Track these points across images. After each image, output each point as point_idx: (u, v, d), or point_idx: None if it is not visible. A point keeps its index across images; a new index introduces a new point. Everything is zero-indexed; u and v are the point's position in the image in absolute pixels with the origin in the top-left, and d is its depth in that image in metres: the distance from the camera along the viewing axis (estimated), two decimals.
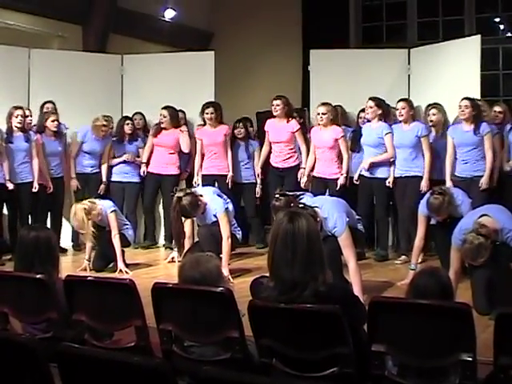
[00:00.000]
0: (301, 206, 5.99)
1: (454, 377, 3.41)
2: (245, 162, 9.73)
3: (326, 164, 8.83)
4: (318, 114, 8.79)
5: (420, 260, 7.49)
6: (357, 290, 5.99)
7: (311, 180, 8.93)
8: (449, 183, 8.02)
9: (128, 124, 9.73)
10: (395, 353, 3.51)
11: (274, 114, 9.14)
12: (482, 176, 8.03)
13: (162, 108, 9.58)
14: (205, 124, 9.53)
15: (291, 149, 9.20)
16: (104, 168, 9.61)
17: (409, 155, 8.44)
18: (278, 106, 9.11)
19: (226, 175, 9.43)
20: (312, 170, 8.93)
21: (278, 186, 8.88)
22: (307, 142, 9.17)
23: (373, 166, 8.58)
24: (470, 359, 3.32)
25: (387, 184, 8.53)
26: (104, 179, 9.60)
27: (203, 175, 9.44)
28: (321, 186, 8.68)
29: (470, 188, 7.80)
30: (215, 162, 9.45)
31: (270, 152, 9.34)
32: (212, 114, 9.34)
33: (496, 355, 3.30)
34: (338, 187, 8.66)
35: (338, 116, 9.08)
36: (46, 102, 9.36)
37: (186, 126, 9.87)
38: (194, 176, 9.53)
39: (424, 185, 8.27)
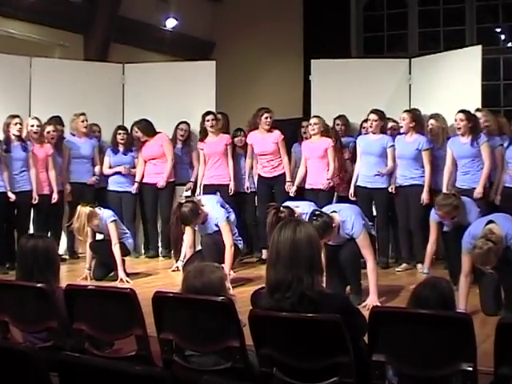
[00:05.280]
0: (317, 213, 6.32)
1: None
2: (245, 170, 9.67)
3: (316, 174, 8.95)
4: (310, 124, 9.01)
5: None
6: (372, 289, 6.43)
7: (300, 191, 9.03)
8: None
9: (120, 134, 9.68)
10: (395, 362, 3.51)
11: (266, 126, 9.20)
12: None
13: (132, 127, 9.71)
14: (206, 133, 9.54)
15: (278, 157, 9.26)
16: (97, 169, 9.62)
17: (409, 166, 8.51)
18: (271, 118, 9.23)
19: (227, 185, 9.44)
20: (304, 182, 9.05)
21: (267, 195, 8.97)
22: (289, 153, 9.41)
23: (373, 176, 8.62)
24: (471, 369, 3.32)
25: (390, 190, 8.60)
26: (97, 172, 9.63)
27: (204, 185, 9.46)
28: (312, 196, 8.70)
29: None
30: (216, 171, 9.46)
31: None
32: (213, 120, 9.38)
33: (496, 365, 3.30)
34: (324, 187, 8.79)
35: (328, 129, 9.18)
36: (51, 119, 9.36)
37: (189, 137, 9.88)
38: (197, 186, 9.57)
39: (425, 197, 8.35)
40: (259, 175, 9.36)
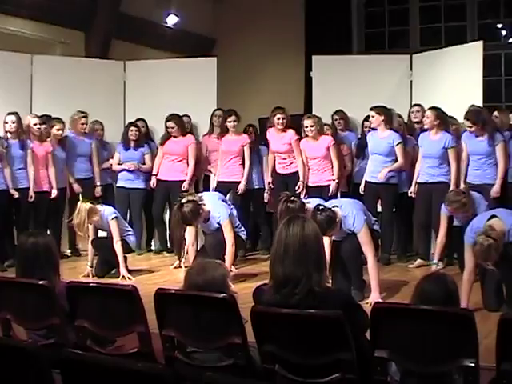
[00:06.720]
0: (321, 207, 6.34)
1: (456, 383, 3.41)
2: (254, 167, 9.66)
3: (320, 172, 9.00)
4: (306, 127, 8.94)
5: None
6: (374, 285, 6.41)
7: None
8: (462, 187, 7.98)
9: (132, 130, 9.65)
10: (397, 358, 3.51)
11: (279, 127, 9.17)
12: (491, 184, 8.03)
13: (168, 120, 9.51)
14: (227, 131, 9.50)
15: (292, 157, 9.24)
16: (96, 171, 9.61)
17: (434, 164, 8.43)
18: (283, 119, 9.15)
19: (239, 182, 9.41)
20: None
21: (282, 191, 8.96)
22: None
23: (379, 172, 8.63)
24: (473, 365, 3.32)
25: (409, 195, 8.61)
26: (98, 183, 9.60)
27: (218, 182, 9.46)
28: (316, 193, 8.71)
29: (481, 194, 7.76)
30: (228, 169, 9.45)
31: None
32: (235, 122, 9.37)
33: (498, 361, 3.30)
34: (330, 193, 8.80)
35: (323, 127, 9.17)
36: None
37: (191, 132, 9.86)
38: (199, 181, 9.54)
39: None
40: (275, 171, 9.38)
